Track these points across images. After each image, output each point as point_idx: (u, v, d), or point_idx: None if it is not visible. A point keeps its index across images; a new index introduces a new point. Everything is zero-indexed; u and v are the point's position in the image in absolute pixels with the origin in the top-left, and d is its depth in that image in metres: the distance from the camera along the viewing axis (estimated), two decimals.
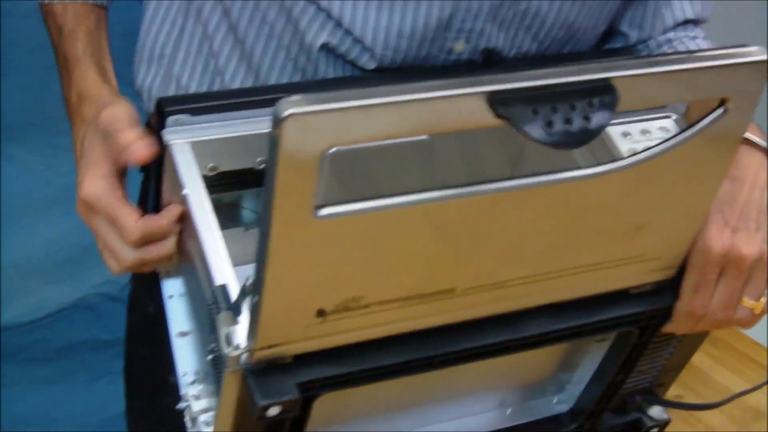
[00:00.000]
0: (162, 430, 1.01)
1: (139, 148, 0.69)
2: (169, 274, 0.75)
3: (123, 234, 0.68)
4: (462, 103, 0.50)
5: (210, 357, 0.64)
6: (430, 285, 0.59)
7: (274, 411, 0.57)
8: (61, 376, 1.40)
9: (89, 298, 1.37)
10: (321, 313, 0.56)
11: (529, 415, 0.82)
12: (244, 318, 0.57)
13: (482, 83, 0.50)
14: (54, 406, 1.40)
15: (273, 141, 0.46)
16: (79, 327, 1.38)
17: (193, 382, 0.72)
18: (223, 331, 0.58)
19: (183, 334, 0.74)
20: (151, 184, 0.73)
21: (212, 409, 0.70)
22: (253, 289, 0.54)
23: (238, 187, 0.74)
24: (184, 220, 0.67)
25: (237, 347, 0.57)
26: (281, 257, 0.52)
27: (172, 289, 0.75)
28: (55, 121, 1.31)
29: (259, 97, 0.71)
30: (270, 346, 0.57)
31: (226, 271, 0.61)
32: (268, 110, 0.48)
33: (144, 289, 1.05)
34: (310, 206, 0.50)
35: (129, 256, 0.69)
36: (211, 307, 0.61)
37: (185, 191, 0.65)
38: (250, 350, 0.57)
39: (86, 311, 1.38)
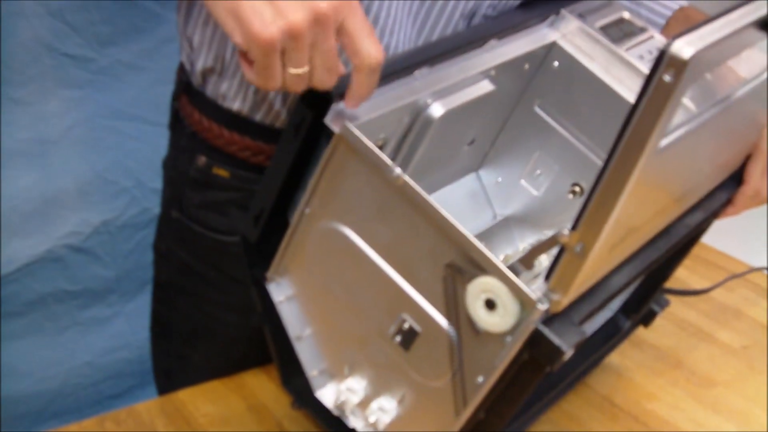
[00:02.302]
0: (193, 372, 1.08)
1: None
2: (276, 279, 0.75)
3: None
4: None
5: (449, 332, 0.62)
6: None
7: (568, 354, 0.56)
8: (29, 330, 1.38)
9: (55, 250, 1.36)
10: (612, 248, 0.56)
11: None
12: (527, 275, 0.57)
13: None
14: (23, 360, 1.38)
15: (663, 85, 0.48)
16: (46, 279, 1.37)
17: (336, 379, 0.74)
18: (506, 291, 0.56)
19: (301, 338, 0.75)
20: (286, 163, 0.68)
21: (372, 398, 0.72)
22: (581, 237, 0.53)
23: None
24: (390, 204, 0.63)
25: (540, 301, 0.56)
26: (629, 195, 0.51)
27: (280, 294, 0.75)
28: (12, 74, 1.28)
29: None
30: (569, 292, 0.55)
31: (470, 236, 0.59)
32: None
33: (179, 242, 1.09)
34: (659, 138, 0.51)
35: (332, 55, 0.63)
36: (454, 276, 0.60)
37: (397, 172, 0.62)
38: (551, 302, 0.56)
39: (53, 263, 1.37)
